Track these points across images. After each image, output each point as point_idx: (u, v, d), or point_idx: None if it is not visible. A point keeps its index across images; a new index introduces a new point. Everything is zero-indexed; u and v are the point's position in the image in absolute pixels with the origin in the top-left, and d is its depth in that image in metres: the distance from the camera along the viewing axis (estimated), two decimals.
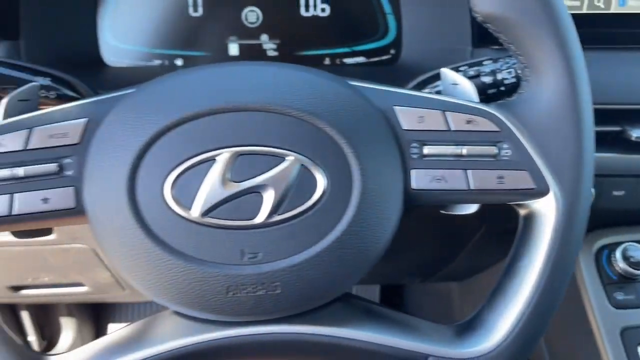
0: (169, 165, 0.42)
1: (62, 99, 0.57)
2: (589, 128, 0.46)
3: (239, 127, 0.43)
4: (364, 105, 0.46)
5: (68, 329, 1.23)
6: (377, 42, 0.78)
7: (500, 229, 0.58)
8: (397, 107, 0.47)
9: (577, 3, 0.71)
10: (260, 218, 0.43)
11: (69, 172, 0.43)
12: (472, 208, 0.51)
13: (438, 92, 0.54)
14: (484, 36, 0.70)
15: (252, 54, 0.77)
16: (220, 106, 0.43)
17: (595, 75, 0.66)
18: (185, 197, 0.42)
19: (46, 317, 1.21)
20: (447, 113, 0.47)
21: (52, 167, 0.43)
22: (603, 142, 0.71)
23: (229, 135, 0.43)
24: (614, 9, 0.72)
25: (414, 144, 0.46)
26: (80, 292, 0.93)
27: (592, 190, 0.70)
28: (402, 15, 0.77)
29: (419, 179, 0.46)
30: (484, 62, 0.59)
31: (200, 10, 0.74)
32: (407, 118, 0.46)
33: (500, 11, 0.45)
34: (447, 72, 0.52)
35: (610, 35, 0.72)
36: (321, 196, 0.43)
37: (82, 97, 0.60)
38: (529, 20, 0.44)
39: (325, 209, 0.43)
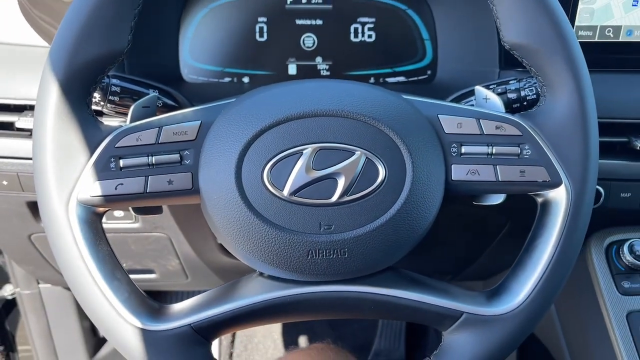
0: (267, 156, 0.52)
1: (166, 107, 0.69)
2: (594, 133, 0.56)
3: (319, 128, 0.53)
4: (415, 113, 0.57)
5: None
6: (416, 64, 0.85)
7: (523, 225, 0.65)
8: (441, 115, 0.57)
9: (590, 33, 0.78)
10: (334, 198, 0.52)
11: (188, 161, 0.54)
12: (499, 198, 0.61)
13: (472, 105, 0.65)
14: (509, 60, 0.78)
15: (308, 73, 0.84)
16: (306, 112, 0.54)
17: (605, 94, 0.77)
18: (278, 180, 0.52)
19: None
20: (481, 120, 0.57)
21: (175, 157, 0.54)
22: (611, 150, 0.79)
23: (312, 134, 0.52)
24: (622, 38, 0.79)
25: (454, 145, 0.55)
26: (150, 278, 1.03)
27: (601, 190, 0.81)
28: (438, 41, 0.84)
29: (458, 172, 0.56)
30: (510, 82, 0.69)
31: (265, 36, 0.83)
32: (449, 124, 0.57)
33: (524, 41, 0.55)
34: (480, 89, 0.63)
35: (618, 60, 0.80)
36: (381, 183, 0.52)
37: (180, 106, 0.72)
38: (547, 49, 0.55)
39: (384, 193, 0.53)
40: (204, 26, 0.82)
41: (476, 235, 0.97)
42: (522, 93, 0.67)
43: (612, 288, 0.79)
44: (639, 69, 0.80)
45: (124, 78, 0.66)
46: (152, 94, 0.63)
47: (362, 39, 0.83)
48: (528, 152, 0.56)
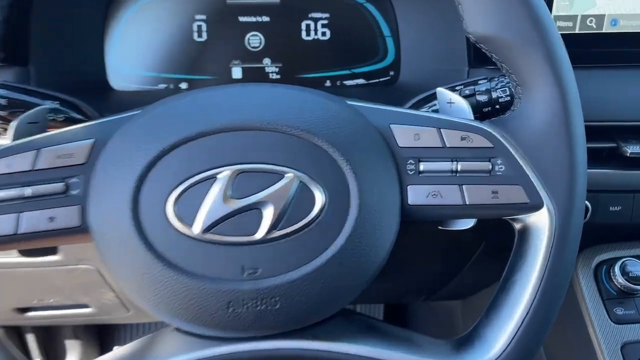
0: (171, 183, 0.43)
1: (70, 121, 0.59)
2: (581, 142, 0.47)
3: (239, 145, 0.44)
4: (361, 124, 0.47)
5: (73, 351, 1.23)
6: (376, 65, 0.79)
7: (499, 246, 0.58)
8: (393, 125, 0.48)
9: (570, 24, 0.71)
10: (260, 234, 0.43)
11: (75, 191, 0.44)
12: (469, 223, 0.52)
13: (435, 111, 0.56)
14: (480, 57, 0.71)
15: (255, 77, 0.77)
16: (221, 126, 0.44)
17: (588, 93, 0.67)
18: (187, 214, 0.43)
19: (51, 339, 1.21)
20: (442, 130, 0.48)
21: (58, 186, 0.44)
22: (598, 158, 0.72)
23: (230, 153, 0.44)
24: (606, 29, 0.73)
25: (410, 161, 0.47)
26: (85, 313, 0.93)
27: (589, 205, 0.72)
28: (400, 38, 0.77)
29: (416, 195, 0.47)
30: (479, 82, 0.60)
31: (205, 36, 0.75)
32: (404, 135, 0.48)
33: (493, 32, 0.46)
34: (442, 91, 0.53)
35: (603, 54, 0.73)
36: (319, 212, 0.44)
37: (90, 119, 0.62)
38: (520, 40, 0.46)
39: (324, 224, 0.44)
40: (134, 25, 0.75)
41: (449, 255, 0.90)
42: (494, 95, 0.58)
43: (604, 316, 0.70)
44: (626, 63, 0.74)
45: (16, 88, 0.55)
46: (44, 106, 0.52)
47: (315, 37, 0.77)
48: (501, 167, 0.47)
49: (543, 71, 0.46)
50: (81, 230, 0.45)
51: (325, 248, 0.44)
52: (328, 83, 0.78)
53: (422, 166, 0.47)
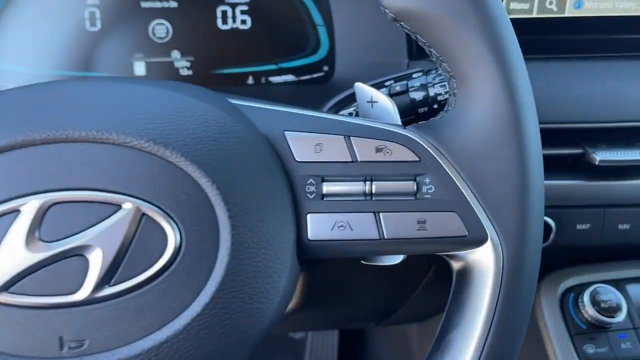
0: None
1: None
2: (535, 152, 0.37)
3: (53, 164, 0.32)
4: (241, 132, 0.35)
5: None
6: (307, 58, 0.71)
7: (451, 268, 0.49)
8: (289, 132, 0.37)
9: (526, 6, 0.65)
10: (84, 292, 0.32)
11: None
12: (396, 258, 0.41)
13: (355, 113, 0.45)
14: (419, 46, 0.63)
15: (162, 73, 0.70)
16: (29, 137, 0.32)
17: (547, 89, 0.63)
18: None
19: None
20: (353, 139, 0.37)
21: None
22: (561, 167, 0.65)
23: (39, 176, 0.32)
24: (569, 12, 0.66)
25: (311, 180, 0.37)
26: None
27: (551, 223, 0.63)
28: (335, 27, 0.70)
29: (318, 227, 0.37)
30: (414, 75, 0.49)
31: (99, 25, 0.67)
32: (302, 146, 0.37)
33: (415, 5, 0.36)
34: (362, 88, 0.42)
35: (565, 42, 0.67)
36: (172, 258, 0.33)
37: None
38: (452, 16, 0.35)
39: (179, 275, 0.33)
40: (13, 13, 0.66)
41: (396, 282, 0.81)
42: (431, 91, 0.47)
43: (572, 355, 0.60)
44: (592, 54, 0.67)
45: None
46: None
47: (234, 25, 0.69)
48: (430, 189, 0.37)
49: (484, 58, 0.35)
50: None
51: (181, 310, 0.33)
52: (250, 80, 0.70)
53: (326, 188, 0.37)
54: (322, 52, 0.70)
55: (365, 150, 0.37)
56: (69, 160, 0.32)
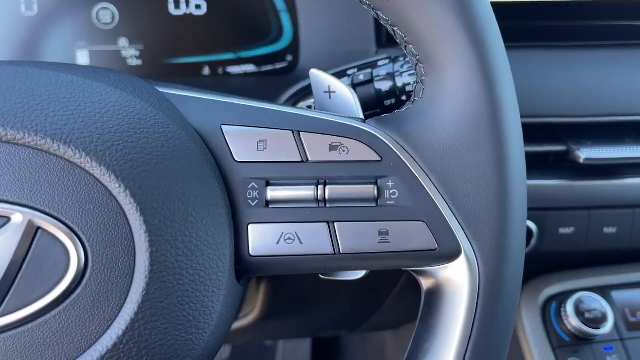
0: None
1: None
2: (516, 152, 0.32)
3: None
4: (167, 126, 0.30)
5: None
6: (269, 47, 0.67)
7: None
8: (227, 126, 0.32)
9: None
10: None
11: None
12: (357, 273, 0.36)
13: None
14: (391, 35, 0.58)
15: (107, 62, 0.65)
16: None
17: (529, 80, 0.58)
18: None
19: None
20: (303, 135, 0.32)
21: None
22: (543, 165, 0.61)
23: None
24: None
25: (253, 184, 0.32)
26: None
27: (533, 227, 0.59)
28: (298, 13, 0.65)
29: (261, 240, 0.32)
30: (380, 63, 0.44)
31: (35, 8, 0.62)
32: (243, 143, 0.32)
33: None
34: (318, 76, 0.37)
35: (549, 29, 0.63)
36: (76, 282, 0.28)
37: None
38: None
39: (85, 303, 0.28)
40: None
41: (367, 290, 0.77)
42: (399, 81, 0.43)
43: None
44: (578, 42, 0.63)
45: None
46: None
47: (188, 11, 0.64)
48: (393, 194, 0.32)
49: (457, 39, 0.31)
50: None
51: (88, 345, 0.27)
52: (207, 70, 0.66)
53: (271, 193, 0.32)
54: (285, 41, 0.66)
55: (317, 148, 0.31)
56: None
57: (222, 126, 0.32)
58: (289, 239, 0.31)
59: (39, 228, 0.27)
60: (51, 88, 0.29)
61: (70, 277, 0.27)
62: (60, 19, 0.62)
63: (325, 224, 0.31)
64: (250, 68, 0.66)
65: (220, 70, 0.65)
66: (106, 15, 0.63)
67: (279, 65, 0.66)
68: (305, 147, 0.32)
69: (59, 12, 0.62)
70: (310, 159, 0.32)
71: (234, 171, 0.31)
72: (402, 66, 0.44)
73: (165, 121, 0.30)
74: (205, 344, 0.30)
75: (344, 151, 0.31)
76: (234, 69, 0.65)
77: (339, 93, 0.37)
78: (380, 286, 0.75)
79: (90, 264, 0.27)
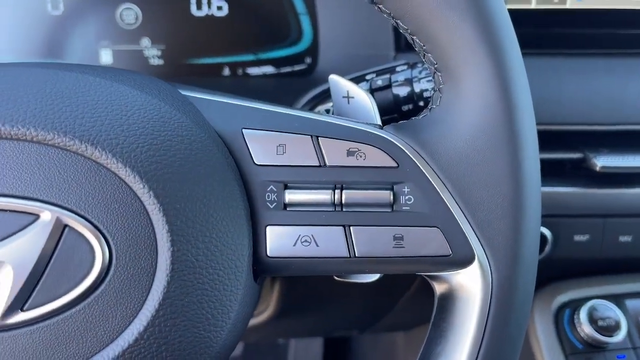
0: None
1: None
2: (531, 160, 0.33)
3: None
4: (189, 129, 0.31)
5: None
6: (288, 49, 0.68)
7: None
8: (248, 130, 0.33)
9: None
10: None
11: None
12: (371, 276, 0.37)
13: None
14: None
15: (129, 62, 0.66)
16: None
17: (546, 88, 0.59)
18: None
19: None
20: (321, 140, 0.33)
21: None
22: (559, 173, 0.61)
23: None
24: (571, 4, 0.63)
25: (272, 187, 0.33)
26: None
27: (547, 234, 0.59)
28: (318, 16, 0.66)
29: (278, 241, 0.32)
30: (398, 69, 0.45)
31: (62, 7, 0.63)
32: (262, 147, 0.33)
33: None
34: (337, 81, 0.38)
35: (566, 37, 0.63)
36: (100, 278, 0.29)
37: None
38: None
39: (108, 299, 0.29)
40: None
41: (380, 292, 0.78)
42: (417, 87, 0.43)
43: None
44: (594, 50, 0.63)
45: None
46: None
47: (209, 12, 0.65)
48: (409, 199, 0.33)
49: (475, 48, 0.31)
50: None
51: (111, 340, 0.28)
52: (227, 71, 0.67)
53: (289, 196, 0.33)
54: (304, 43, 0.67)
55: (334, 153, 0.32)
56: None
57: (243, 130, 0.33)
58: (306, 241, 0.32)
59: (66, 225, 0.28)
60: (79, 90, 0.30)
61: (95, 273, 0.28)
62: (84, 19, 0.63)
63: (341, 227, 0.32)
64: (269, 69, 0.67)
65: (239, 71, 0.66)
66: (130, 15, 0.64)
67: (297, 67, 0.67)
68: (323, 151, 0.32)
69: (84, 12, 0.63)
70: (327, 164, 0.32)
71: (254, 174, 0.32)
72: (420, 72, 0.44)
73: (188, 124, 0.31)
74: (223, 342, 0.31)
75: (361, 157, 0.32)
76: (253, 70, 0.66)
77: (357, 98, 0.37)
78: (393, 288, 0.75)
79: (114, 262, 0.28)
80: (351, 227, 0.32)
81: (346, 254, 0.32)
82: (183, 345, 0.29)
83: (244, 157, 0.32)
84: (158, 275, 0.28)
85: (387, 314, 0.81)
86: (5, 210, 0.27)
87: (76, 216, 0.28)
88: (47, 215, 0.28)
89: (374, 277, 0.37)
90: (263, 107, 0.34)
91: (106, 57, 0.65)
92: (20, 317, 0.28)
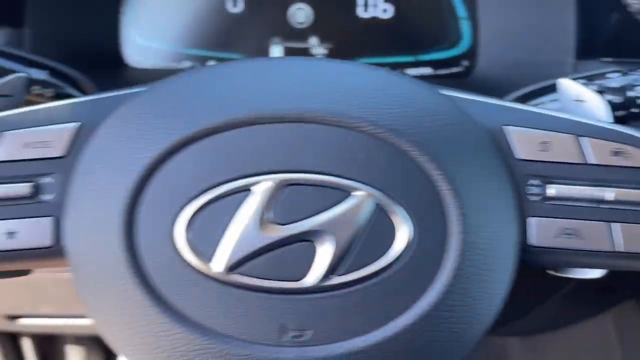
0: (184, 196, 0.31)
1: (62, 98, 0.46)
2: None
3: (286, 145, 0.31)
4: (466, 124, 0.33)
5: (74, 357, 1.11)
6: (447, 51, 0.69)
7: (596, 285, 0.45)
8: (509, 127, 0.34)
9: None
10: (311, 279, 0.31)
11: (48, 197, 0.33)
12: (596, 272, 0.38)
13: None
14: (591, 46, 0.58)
15: None
16: (260, 114, 0.31)
17: None
18: (205, 244, 0.31)
19: (50, 345, 1.09)
20: (583, 139, 0.34)
21: (23, 188, 0.32)
22: None
23: (272, 155, 0.31)
24: None
25: (534, 181, 0.34)
26: (84, 324, 0.81)
27: None
28: (479, 20, 0.67)
29: (542, 232, 0.34)
30: (609, 75, 0.45)
31: (241, 6, 0.67)
32: (525, 143, 0.34)
33: None
34: (568, 84, 0.39)
35: None
36: (403, 252, 0.31)
37: None
38: None
39: (407, 271, 0.31)
40: None
41: (524, 290, 0.73)
42: (629, 94, 0.43)
43: None
44: None
45: None
46: (21, 74, 0.39)
47: (375, 14, 0.67)
48: None
49: None
50: (53, 252, 0.33)
51: (409, 306, 0.31)
52: None
53: (552, 190, 0.34)
54: (463, 46, 0.68)
55: (599, 152, 0.33)
56: (301, 142, 0.30)
57: (504, 126, 0.34)
58: (569, 234, 0.33)
59: (377, 204, 0.30)
60: (384, 87, 0.33)
61: (400, 247, 0.30)
62: (260, 16, 0.66)
63: (604, 223, 0.33)
64: (427, 71, 0.68)
65: (398, 72, 0.69)
66: (301, 15, 0.67)
67: (454, 70, 0.68)
68: (586, 151, 0.33)
69: (259, 10, 0.66)
70: (591, 162, 0.33)
71: (517, 168, 0.34)
72: (635, 80, 0.45)
73: (463, 119, 0.33)
74: (489, 322, 0.33)
75: (627, 157, 0.33)
76: (412, 71, 0.68)
77: (590, 102, 0.38)
78: (534, 291, 0.74)
79: (414, 239, 0.30)
80: (614, 224, 0.33)
81: (607, 248, 0.33)
82: (463, 317, 0.31)
83: (506, 151, 0.34)
84: (449, 256, 0.30)
85: (518, 319, 0.81)
86: (327, 187, 0.30)
87: (384, 196, 0.30)
88: (360, 192, 0.30)
89: (597, 272, 0.38)
90: (523, 108, 0.35)
91: (277, 53, 0.68)
92: (336, 280, 0.30)
